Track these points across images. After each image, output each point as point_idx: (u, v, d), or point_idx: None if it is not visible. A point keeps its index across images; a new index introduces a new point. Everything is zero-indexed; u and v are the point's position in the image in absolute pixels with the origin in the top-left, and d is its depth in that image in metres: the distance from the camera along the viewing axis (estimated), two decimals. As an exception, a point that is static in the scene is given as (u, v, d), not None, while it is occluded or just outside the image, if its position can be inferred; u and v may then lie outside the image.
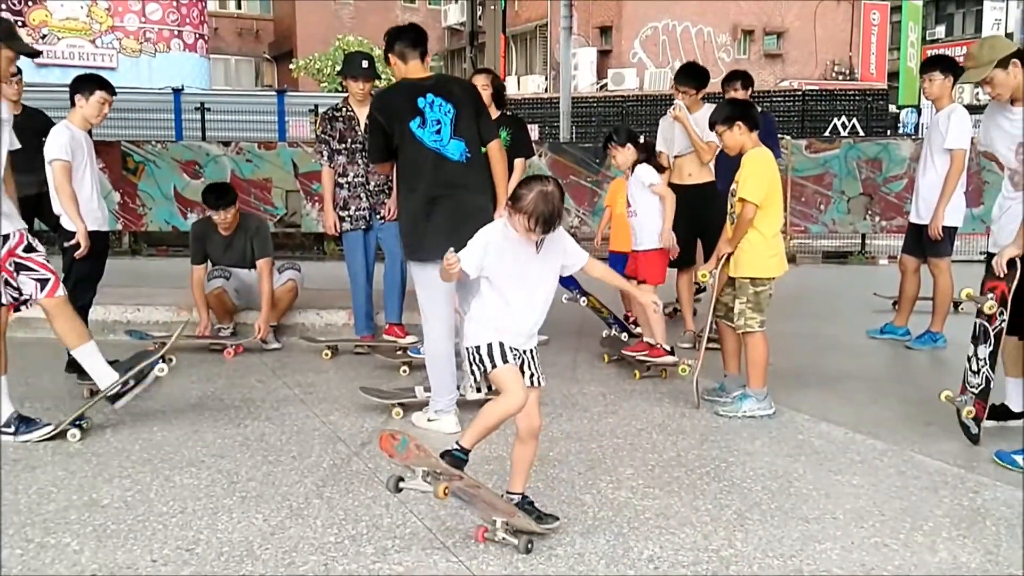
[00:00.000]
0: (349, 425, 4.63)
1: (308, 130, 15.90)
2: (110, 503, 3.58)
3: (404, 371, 5.71)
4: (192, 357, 6.19)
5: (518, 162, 6.35)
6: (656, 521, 3.42)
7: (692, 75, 6.45)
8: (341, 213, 6.29)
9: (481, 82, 6.25)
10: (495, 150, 4.76)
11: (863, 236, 13.52)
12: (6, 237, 4.33)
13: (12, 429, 4.36)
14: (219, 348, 6.41)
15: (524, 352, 3.25)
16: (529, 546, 3.12)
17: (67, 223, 5.23)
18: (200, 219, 7.24)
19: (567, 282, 5.59)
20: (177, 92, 16.62)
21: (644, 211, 5.64)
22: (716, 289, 4.89)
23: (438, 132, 4.54)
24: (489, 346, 3.18)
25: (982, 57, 4.46)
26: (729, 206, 4.87)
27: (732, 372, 5.06)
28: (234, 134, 15.48)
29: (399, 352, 6.01)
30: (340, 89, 28.79)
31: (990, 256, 4.85)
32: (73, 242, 5.16)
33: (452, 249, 3.13)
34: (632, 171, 5.65)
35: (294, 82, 32.50)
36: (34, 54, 4.63)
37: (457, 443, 3.17)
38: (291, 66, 33.12)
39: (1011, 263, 4.09)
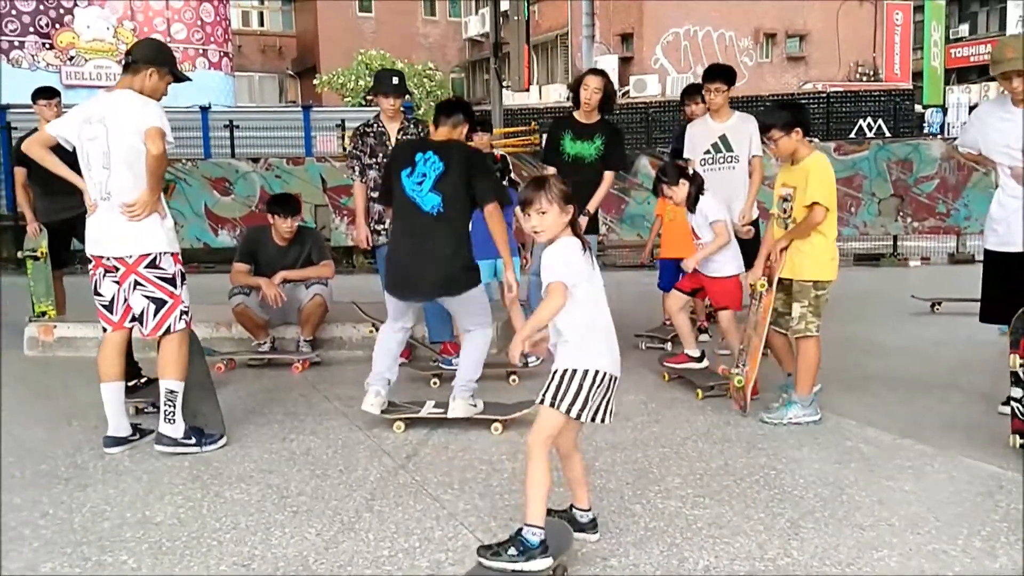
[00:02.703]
0: (393, 438, 4.64)
1: (336, 145, 16.04)
2: (163, 520, 3.62)
3: (435, 383, 5.73)
4: (232, 373, 6.26)
5: (607, 175, 6.34)
6: (709, 531, 3.41)
7: (720, 73, 6.38)
8: (376, 227, 6.31)
9: (594, 84, 6.27)
10: (491, 212, 4.82)
11: (895, 238, 13.41)
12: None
13: (193, 441, 4.49)
14: (257, 363, 6.48)
15: None
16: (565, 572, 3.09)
17: None
18: (256, 226, 7.32)
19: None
20: (205, 110, 16.82)
21: None
22: (770, 296, 4.83)
23: (420, 184, 4.79)
24: (600, 374, 3.07)
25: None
26: (780, 211, 4.81)
27: (791, 369, 4.97)
28: (261, 150, 15.63)
29: (433, 364, 6.03)
30: (364, 103, 29.04)
31: (990, 254, 4.83)
32: None
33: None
34: (690, 205, 5.57)
35: (318, 97, 32.72)
36: (186, 80, 4.80)
37: (528, 525, 2.99)
38: (315, 81, 33.35)
39: None
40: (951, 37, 39.06)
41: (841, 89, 27.31)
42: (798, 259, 4.70)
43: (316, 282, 6.78)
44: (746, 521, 3.49)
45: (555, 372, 3.07)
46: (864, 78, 35.04)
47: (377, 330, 6.28)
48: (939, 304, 8.36)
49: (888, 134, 19.22)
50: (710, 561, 3.15)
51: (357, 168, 6.39)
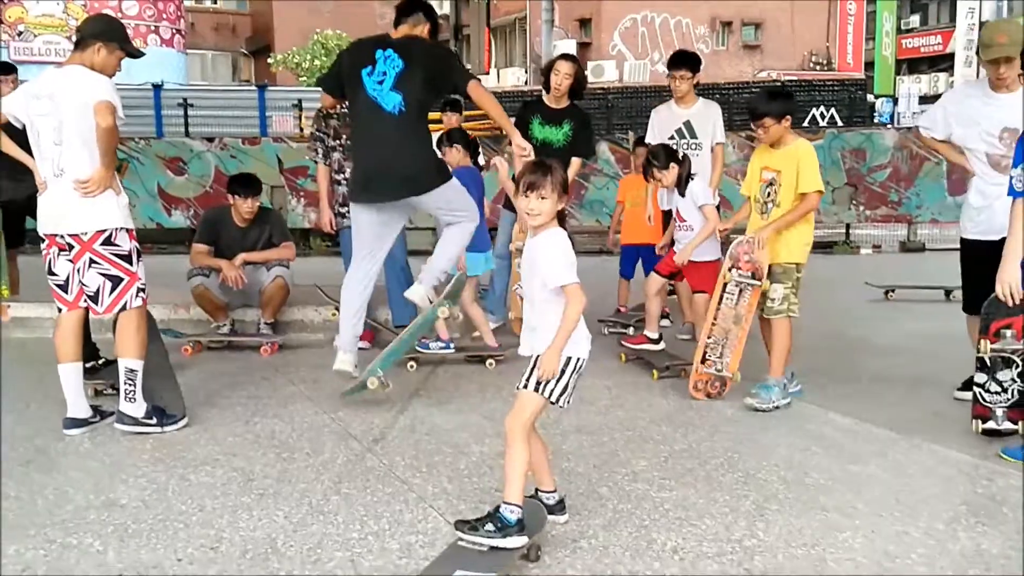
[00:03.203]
0: (359, 422, 4.62)
1: (292, 125, 15.85)
2: (128, 503, 3.57)
3: (412, 367, 5.71)
4: (191, 356, 6.19)
5: (575, 161, 6.35)
6: (676, 513, 3.45)
7: (685, 60, 6.42)
8: (340, 210, 6.27)
9: (565, 69, 6.28)
10: (475, 90, 4.70)
11: (847, 226, 13.64)
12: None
13: (154, 421, 4.44)
14: (217, 346, 6.42)
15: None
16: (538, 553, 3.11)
17: None
18: (216, 207, 7.22)
19: None
20: (157, 88, 16.50)
21: (700, 225, 5.60)
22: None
23: (380, 83, 4.68)
24: (581, 360, 3.11)
25: (1017, 36, 4.45)
26: (763, 195, 4.86)
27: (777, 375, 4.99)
28: (215, 130, 15.40)
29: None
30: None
31: (972, 244, 4.78)
32: None
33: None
34: (679, 188, 5.60)
35: (272, 77, 32.25)
36: (139, 55, 4.66)
37: (507, 503, 3.01)
38: (269, 61, 32.90)
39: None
40: (902, 28, 39.68)
41: (795, 78, 27.54)
42: (783, 243, 4.78)
43: (277, 264, 6.70)
44: (712, 504, 3.54)
45: (539, 359, 3.07)
46: (818, 67, 35.46)
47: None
48: (893, 291, 8.52)
49: (841, 123, 19.46)
50: (678, 542, 3.19)
51: (320, 151, 6.33)
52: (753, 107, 4.87)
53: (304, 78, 29.65)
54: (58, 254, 4.43)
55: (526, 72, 33.13)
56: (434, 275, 4.81)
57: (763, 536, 3.24)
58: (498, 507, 3.02)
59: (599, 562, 3.04)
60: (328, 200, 6.36)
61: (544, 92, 6.50)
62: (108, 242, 4.36)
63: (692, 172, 5.62)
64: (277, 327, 6.66)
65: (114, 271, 4.39)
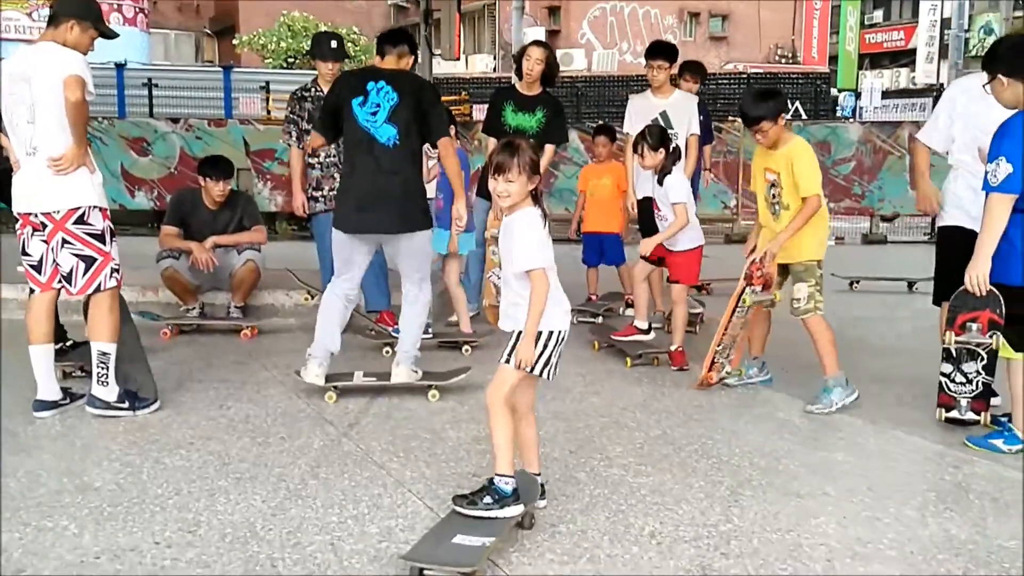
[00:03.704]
0: (334, 407, 4.61)
1: (260, 107, 15.68)
2: (103, 486, 3.54)
3: (387, 352, 5.70)
4: (162, 339, 6.13)
5: (548, 148, 6.33)
6: (652, 498, 3.49)
7: (662, 50, 6.46)
8: (314, 193, 6.22)
9: (537, 55, 6.25)
10: (445, 146, 4.87)
11: (812, 218, 13.78)
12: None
13: (126, 404, 4.41)
14: (188, 329, 6.38)
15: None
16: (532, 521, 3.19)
17: None
18: (186, 188, 7.14)
19: None
20: (120, 67, 16.23)
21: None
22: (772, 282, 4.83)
23: (374, 114, 4.71)
24: (562, 333, 3.19)
25: None
26: (769, 196, 4.74)
27: (758, 354, 5.10)
28: (179, 110, 15.19)
29: (371, 333, 6.00)
30: (285, 65, 28.38)
31: (956, 233, 4.66)
32: None
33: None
34: (659, 176, 5.57)
35: (237, 58, 31.90)
36: (113, 36, 4.62)
37: (499, 475, 3.12)
38: (234, 41, 32.50)
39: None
40: (866, 23, 40.10)
41: (761, 71, 27.88)
42: (799, 241, 4.62)
43: (248, 248, 6.64)
44: (687, 489, 3.59)
45: (519, 334, 3.11)
46: (783, 60, 35.79)
47: (313, 297, 6.26)
48: (858, 282, 8.65)
49: (806, 116, 19.68)
50: (655, 527, 3.23)
51: (294, 133, 6.27)
52: (745, 112, 4.68)
53: (270, 60, 29.36)
54: (32, 234, 4.36)
55: (495, 59, 33.09)
56: (410, 356, 4.83)
57: (738, 521, 3.29)
58: (492, 480, 3.10)
59: (577, 546, 3.07)
60: (301, 183, 6.31)
61: (516, 79, 6.49)
62: (81, 220, 4.31)
63: (676, 163, 5.59)
64: (247, 311, 6.62)
65: (87, 251, 4.33)
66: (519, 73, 6.37)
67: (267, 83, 16.26)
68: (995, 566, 2.96)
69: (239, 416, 4.46)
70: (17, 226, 4.42)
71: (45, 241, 4.34)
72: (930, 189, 4.83)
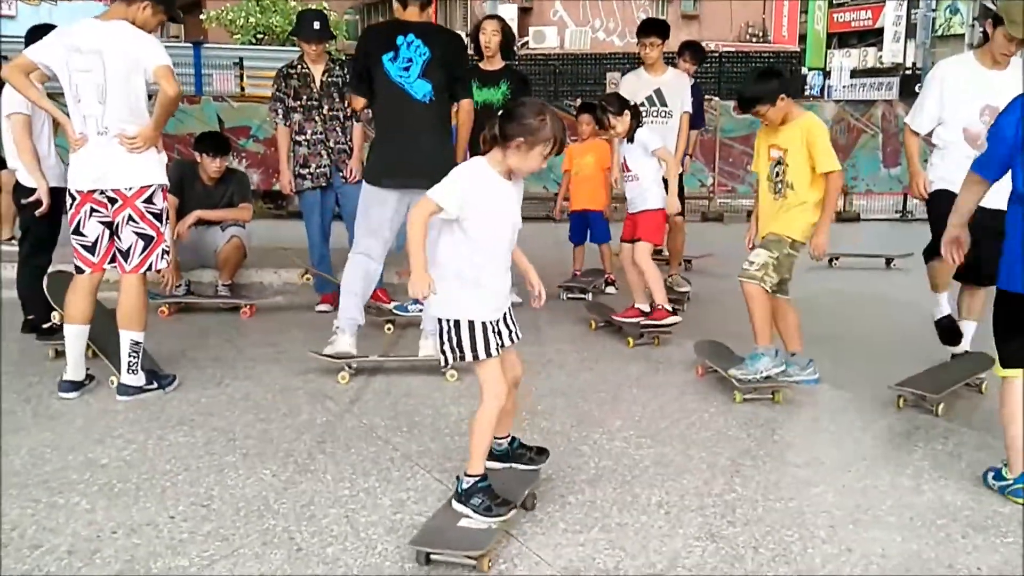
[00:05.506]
0: (332, 384, 4.63)
1: (234, 84, 15.49)
2: (109, 463, 3.54)
3: (389, 329, 5.71)
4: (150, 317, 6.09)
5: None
6: (656, 469, 3.56)
7: (654, 28, 6.49)
8: (301, 171, 6.21)
9: (491, 27, 6.22)
10: (465, 110, 4.87)
11: (787, 196, 13.93)
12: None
13: (155, 384, 4.43)
14: (177, 307, 6.36)
15: (502, 318, 3.09)
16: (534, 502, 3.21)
17: (26, 179, 5.06)
18: (183, 161, 7.10)
19: None
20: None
21: (646, 174, 5.62)
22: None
23: (406, 69, 4.67)
24: (471, 325, 2.94)
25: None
26: (773, 174, 4.58)
27: (797, 350, 4.77)
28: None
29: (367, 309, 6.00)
30: (254, 41, 27.96)
31: (930, 195, 4.83)
32: (33, 199, 5.00)
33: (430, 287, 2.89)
34: (629, 137, 5.62)
35: (204, 33, 31.37)
36: (180, 21, 4.77)
37: (467, 475, 2.99)
38: (201, 16, 31.96)
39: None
40: (834, 2, 40.29)
41: (733, 49, 27.95)
42: (791, 216, 4.54)
43: (232, 224, 6.63)
44: (689, 460, 3.67)
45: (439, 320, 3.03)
46: (754, 39, 35.82)
47: (310, 279, 6.27)
48: (837, 259, 8.77)
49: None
50: (662, 497, 3.30)
51: (280, 111, 6.24)
52: (742, 94, 4.55)
53: (238, 36, 28.94)
54: (90, 213, 4.32)
55: (467, 36, 32.88)
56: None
57: (742, 491, 3.37)
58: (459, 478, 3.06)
59: (588, 516, 3.14)
60: (288, 161, 6.29)
61: (478, 58, 6.47)
62: (149, 200, 4.33)
63: (642, 121, 5.65)
64: (234, 289, 6.60)
65: (148, 230, 4.35)
66: (478, 50, 6.34)
67: (240, 59, 16.06)
68: (993, 530, 3.06)
69: (238, 393, 4.47)
70: (72, 205, 4.35)
71: (108, 220, 4.33)
72: (921, 176, 4.94)
